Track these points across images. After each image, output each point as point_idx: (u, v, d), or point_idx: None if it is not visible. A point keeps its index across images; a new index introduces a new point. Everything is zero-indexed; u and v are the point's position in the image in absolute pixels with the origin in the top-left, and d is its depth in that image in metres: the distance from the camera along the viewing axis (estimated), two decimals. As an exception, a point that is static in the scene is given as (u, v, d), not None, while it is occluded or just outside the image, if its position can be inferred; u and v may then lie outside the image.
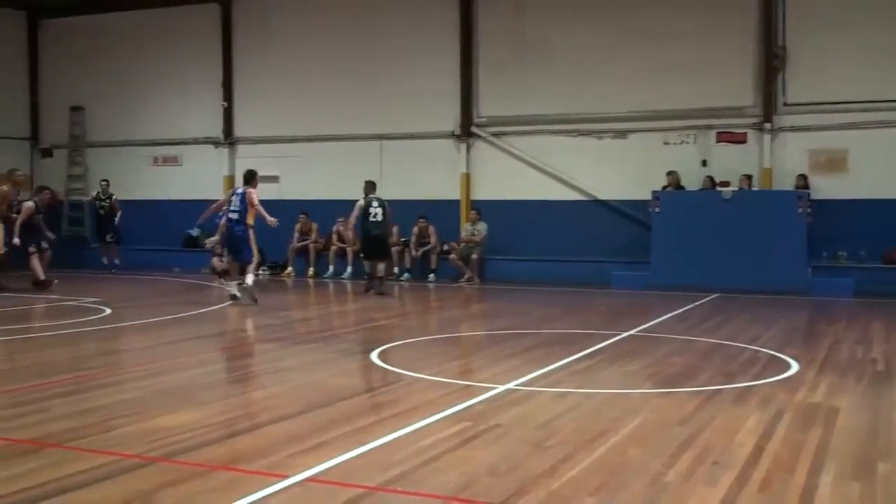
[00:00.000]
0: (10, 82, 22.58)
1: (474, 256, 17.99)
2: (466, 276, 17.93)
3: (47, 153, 23.21)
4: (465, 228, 18.48)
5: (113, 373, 8.08)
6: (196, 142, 21.51)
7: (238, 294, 13.38)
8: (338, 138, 20.02)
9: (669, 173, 17.16)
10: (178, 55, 21.49)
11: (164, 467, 4.99)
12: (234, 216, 13.21)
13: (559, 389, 7.25)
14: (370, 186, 15.61)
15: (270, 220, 13.35)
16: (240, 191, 13.48)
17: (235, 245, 13.43)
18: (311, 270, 19.12)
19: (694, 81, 17.27)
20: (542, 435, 5.75)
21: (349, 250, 18.86)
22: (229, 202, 13.46)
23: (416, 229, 18.41)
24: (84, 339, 10.14)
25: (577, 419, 6.30)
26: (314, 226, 19.34)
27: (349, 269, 18.77)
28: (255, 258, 13.81)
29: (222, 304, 13.48)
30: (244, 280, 13.37)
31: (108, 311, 12.52)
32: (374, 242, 15.49)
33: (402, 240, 18.42)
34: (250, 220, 13.28)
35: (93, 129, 22.60)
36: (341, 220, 19.14)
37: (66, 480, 4.72)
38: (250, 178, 13.62)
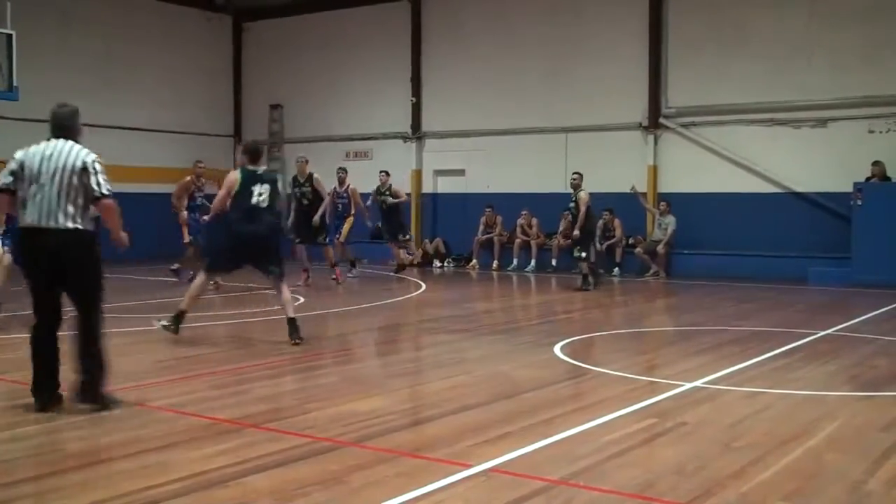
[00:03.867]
0: (217, 83, 24.10)
1: (661, 250, 17.60)
2: (652, 271, 17.58)
3: (248, 149, 24.56)
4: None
5: (309, 358, 8.45)
6: (385, 136, 22.15)
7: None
8: (523, 131, 20.06)
9: (875, 164, 16.07)
10: (369, 53, 22.18)
11: (354, 451, 5.17)
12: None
13: (750, 389, 6.98)
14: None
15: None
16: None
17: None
18: (495, 263, 19.30)
19: (904, 64, 16.16)
20: (731, 435, 5.57)
21: (533, 243, 18.94)
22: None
23: (601, 223, 18.19)
24: (280, 326, 10.64)
25: (768, 420, 6.05)
26: (499, 219, 19.49)
27: (533, 262, 18.85)
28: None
29: (410, 294, 13.87)
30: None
31: (303, 299, 13.09)
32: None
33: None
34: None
35: (290, 126, 23.71)
36: (525, 212, 19.26)
37: (264, 459, 4.98)
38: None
